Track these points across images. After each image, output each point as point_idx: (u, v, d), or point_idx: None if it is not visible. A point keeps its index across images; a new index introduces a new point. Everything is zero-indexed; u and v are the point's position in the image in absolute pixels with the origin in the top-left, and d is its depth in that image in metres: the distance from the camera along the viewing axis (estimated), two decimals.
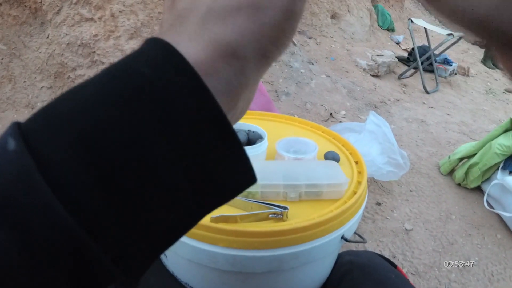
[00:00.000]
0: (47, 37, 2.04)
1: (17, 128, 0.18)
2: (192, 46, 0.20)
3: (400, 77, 3.30)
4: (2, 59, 2.08)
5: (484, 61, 4.54)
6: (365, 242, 0.59)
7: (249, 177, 0.22)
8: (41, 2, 2.00)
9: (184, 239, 0.49)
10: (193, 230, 0.48)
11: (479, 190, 1.77)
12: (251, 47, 0.20)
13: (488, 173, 1.67)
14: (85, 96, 0.18)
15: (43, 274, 0.17)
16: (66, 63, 2.01)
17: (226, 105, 0.20)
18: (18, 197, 0.17)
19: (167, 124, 0.18)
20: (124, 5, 1.99)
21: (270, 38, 0.21)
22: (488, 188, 1.62)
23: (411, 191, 1.71)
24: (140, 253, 0.20)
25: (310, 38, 3.06)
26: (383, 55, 3.28)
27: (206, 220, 0.48)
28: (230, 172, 0.21)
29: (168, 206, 0.19)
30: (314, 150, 0.65)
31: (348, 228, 0.53)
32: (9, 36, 2.08)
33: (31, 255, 0.17)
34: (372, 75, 3.10)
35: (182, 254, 0.50)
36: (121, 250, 0.19)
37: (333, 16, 3.54)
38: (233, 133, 0.20)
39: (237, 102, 0.22)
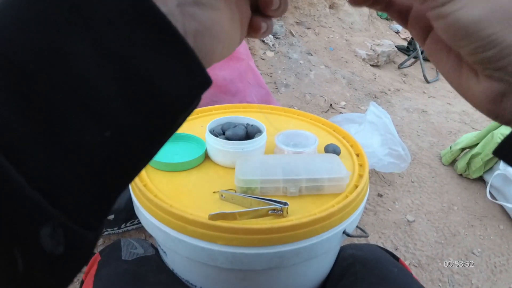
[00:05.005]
0: None
1: None
2: None
3: (400, 66, 3.27)
4: None
5: None
6: (367, 236, 0.58)
7: (198, 77, 0.18)
8: None
9: (182, 237, 0.48)
10: (191, 228, 0.47)
11: (481, 180, 1.75)
12: None
13: (490, 163, 1.65)
14: None
15: None
16: None
17: None
18: None
19: (86, 17, 0.15)
20: None
21: None
22: (490, 179, 1.60)
23: (412, 182, 1.69)
24: (78, 186, 0.16)
25: (308, 28, 3.02)
26: (382, 45, 3.25)
27: (204, 217, 0.47)
28: (173, 72, 0.17)
29: (99, 120, 0.16)
30: (314, 143, 0.63)
31: (350, 223, 0.52)
32: None
33: None
34: (372, 65, 3.07)
35: (181, 252, 0.49)
36: (50, 179, 0.16)
37: (331, 6, 3.50)
38: (169, 26, 0.17)
39: None
